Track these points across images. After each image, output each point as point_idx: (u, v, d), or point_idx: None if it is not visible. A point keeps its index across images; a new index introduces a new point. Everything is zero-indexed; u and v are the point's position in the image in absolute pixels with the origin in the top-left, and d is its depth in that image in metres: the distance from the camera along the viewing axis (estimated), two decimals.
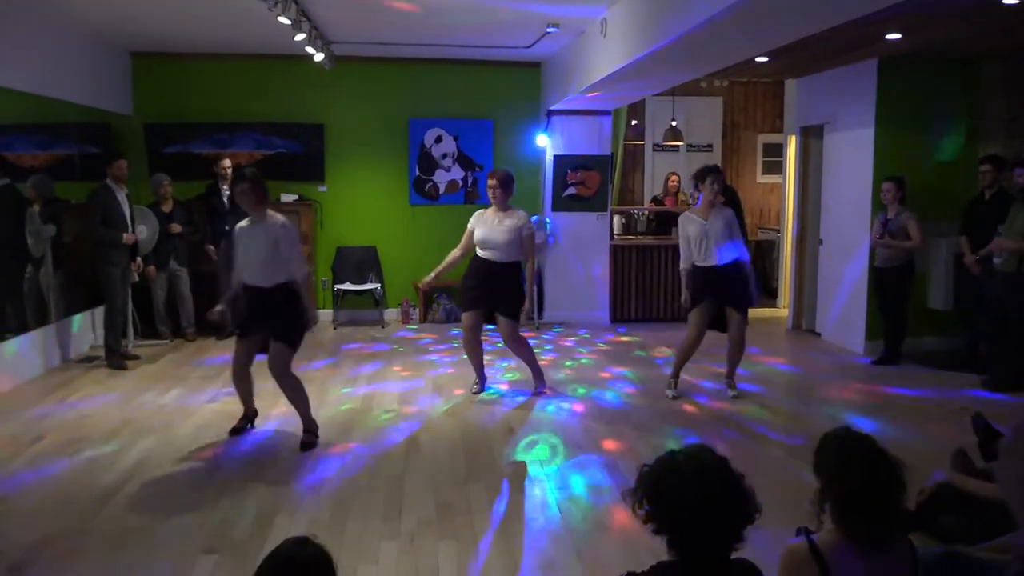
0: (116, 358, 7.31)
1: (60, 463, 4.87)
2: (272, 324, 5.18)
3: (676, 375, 6.44)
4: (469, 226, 6.28)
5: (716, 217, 6.13)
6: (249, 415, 5.53)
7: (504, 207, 6.18)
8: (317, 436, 5.29)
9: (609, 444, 5.29)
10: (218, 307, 5.41)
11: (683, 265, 6.28)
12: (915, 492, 3.58)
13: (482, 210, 6.34)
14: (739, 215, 9.95)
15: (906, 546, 2.25)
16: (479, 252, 6.21)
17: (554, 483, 4.61)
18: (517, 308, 6.22)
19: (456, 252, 6.40)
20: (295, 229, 5.35)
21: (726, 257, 6.13)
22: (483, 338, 6.57)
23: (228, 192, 8.13)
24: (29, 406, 6.05)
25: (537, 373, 6.50)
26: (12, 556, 3.67)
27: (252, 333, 5.26)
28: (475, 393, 6.43)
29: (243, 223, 5.28)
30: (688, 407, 6.13)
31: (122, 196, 7.52)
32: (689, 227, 6.20)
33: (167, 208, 8.25)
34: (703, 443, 2.11)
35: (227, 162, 8.48)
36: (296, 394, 5.28)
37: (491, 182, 6.19)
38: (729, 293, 6.18)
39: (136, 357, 7.62)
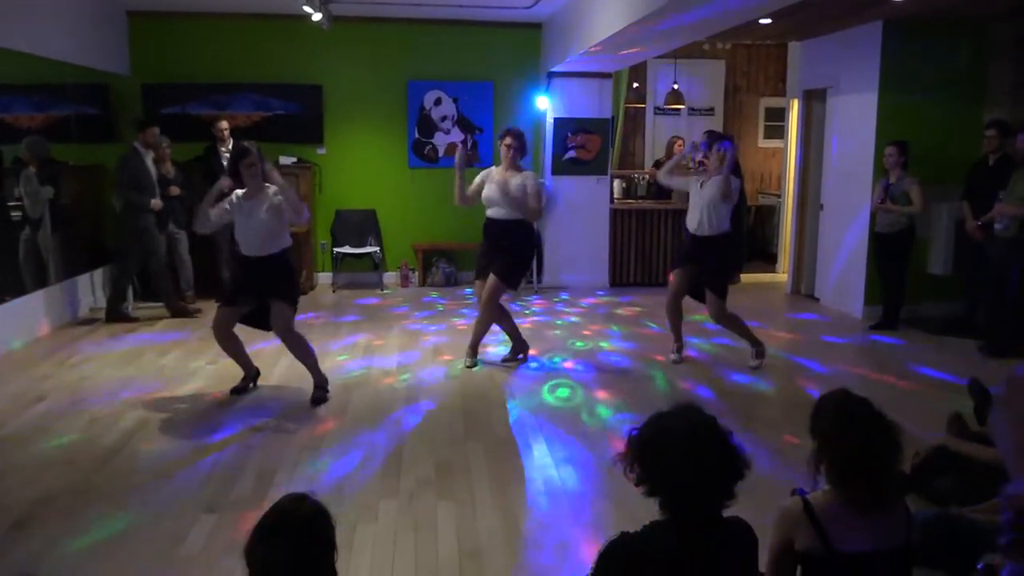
0: (119, 313, 7.54)
1: (62, 423, 4.91)
2: (270, 287, 5.22)
3: (677, 339, 6.39)
4: (477, 180, 6.16)
5: (712, 184, 6.01)
6: (250, 375, 5.56)
7: (515, 167, 6.08)
8: (327, 391, 5.38)
9: (606, 406, 5.32)
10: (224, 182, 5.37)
11: (659, 175, 6.46)
12: (911, 455, 3.61)
13: (489, 168, 6.23)
14: (738, 178, 9.98)
15: (901, 508, 2.27)
16: (487, 212, 6.09)
17: (552, 444, 4.64)
18: (512, 271, 6.07)
19: (463, 188, 6.15)
20: (291, 190, 5.33)
21: (710, 228, 5.98)
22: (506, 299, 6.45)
23: (227, 154, 8.08)
24: (30, 367, 6.07)
25: (475, 345, 6.29)
26: (16, 513, 3.71)
27: (239, 304, 5.30)
28: (508, 361, 6.29)
29: (240, 195, 5.24)
30: (684, 371, 6.14)
31: (150, 161, 7.64)
32: (690, 186, 6.18)
33: (166, 170, 8.20)
34: (690, 402, 2.11)
35: (224, 123, 8.41)
36: (301, 351, 5.35)
37: (508, 140, 6.04)
38: (704, 267, 6.06)
39: (135, 319, 7.64)
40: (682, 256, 6.31)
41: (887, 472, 2.20)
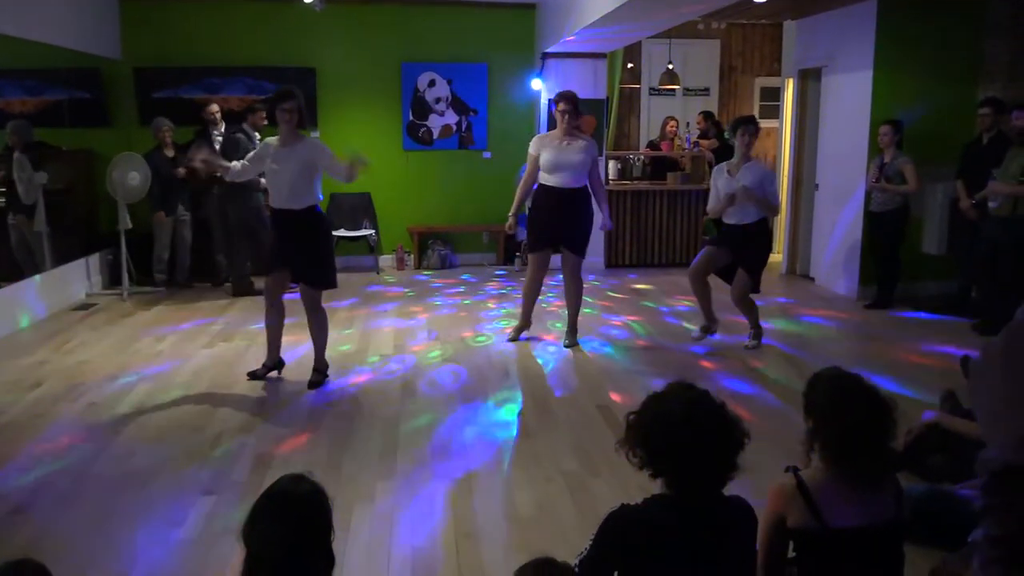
0: (246, 288, 7.96)
1: (59, 408, 4.92)
2: (304, 260, 5.15)
3: (708, 316, 6.22)
4: (531, 151, 6.03)
5: (744, 173, 5.85)
6: (270, 364, 5.43)
7: (574, 131, 5.93)
8: (326, 376, 5.39)
9: (605, 386, 5.34)
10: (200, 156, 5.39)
11: (710, 213, 6.21)
12: (904, 433, 3.64)
13: (542, 135, 6.09)
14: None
15: (893, 484, 2.29)
16: (545, 180, 5.94)
17: (550, 425, 4.66)
18: (586, 243, 6.06)
19: (526, 180, 6.13)
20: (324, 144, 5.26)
21: (749, 216, 5.89)
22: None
23: (220, 137, 8.05)
24: (27, 353, 6.08)
25: (573, 325, 6.30)
26: (14, 498, 3.73)
27: (281, 265, 5.23)
28: (567, 346, 6.20)
29: (274, 143, 5.12)
30: (685, 352, 6.16)
31: (257, 143, 7.66)
32: (718, 179, 6.00)
33: (170, 153, 8.17)
34: (681, 380, 2.13)
35: (215, 107, 8.35)
36: (320, 331, 5.34)
37: (562, 105, 5.88)
38: (743, 254, 5.97)
39: (259, 291, 7.43)
40: (724, 241, 6.08)
41: (881, 448, 2.22)
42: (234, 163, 5.38)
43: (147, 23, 8.90)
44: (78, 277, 7.97)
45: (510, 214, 6.32)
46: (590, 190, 6.06)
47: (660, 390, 2.11)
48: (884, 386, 2.27)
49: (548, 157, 5.92)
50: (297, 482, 1.88)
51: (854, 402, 2.20)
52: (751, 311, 6.19)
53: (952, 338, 6.42)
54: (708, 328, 6.28)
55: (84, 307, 7.54)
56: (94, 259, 8.27)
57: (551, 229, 6.04)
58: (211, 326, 6.86)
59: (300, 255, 5.16)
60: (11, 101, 8.17)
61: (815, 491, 2.20)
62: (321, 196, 5.26)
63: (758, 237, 6.00)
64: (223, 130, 8.10)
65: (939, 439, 3.62)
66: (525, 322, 6.44)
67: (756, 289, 6.07)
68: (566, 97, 5.96)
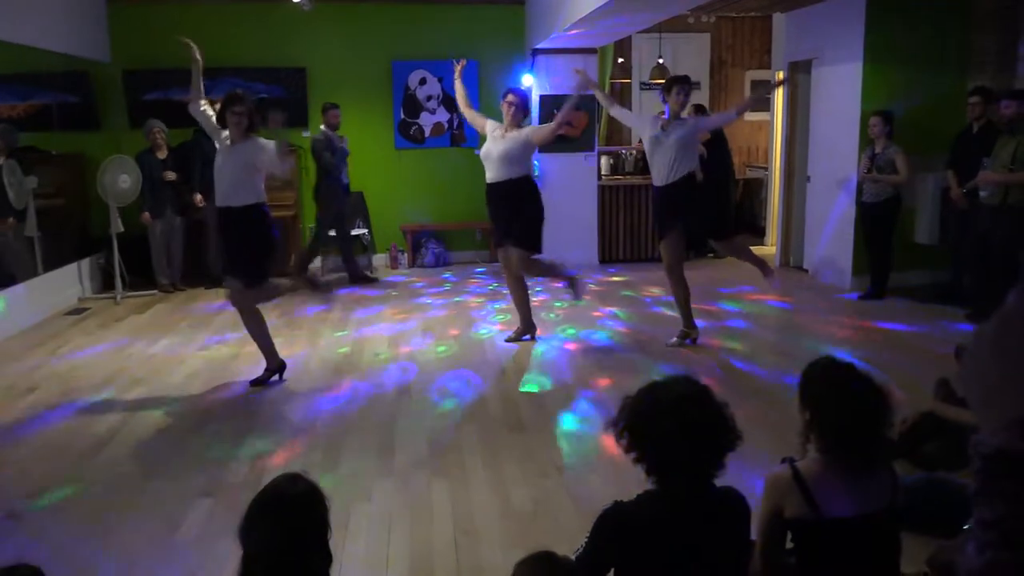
0: (359, 274, 8.61)
1: (53, 413, 4.90)
2: (232, 247, 5.13)
3: (687, 320, 6.06)
4: (482, 120, 6.15)
5: (672, 128, 5.73)
6: (272, 366, 5.37)
7: (517, 125, 5.93)
8: (273, 376, 5.34)
9: (598, 381, 5.34)
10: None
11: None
12: (899, 422, 3.64)
13: (496, 123, 6.07)
14: (726, 153, 9.98)
15: (888, 473, 2.30)
16: (486, 177, 5.98)
17: (546, 422, 4.66)
18: (529, 235, 5.93)
19: (466, 102, 6.30)
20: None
21: (681, 172, 5.75)
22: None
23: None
24: (20, 358, 6.06)
25: (527, 320, 6.30)
26: (10, 502, 3.72)
27: (230, 271, 5.22)
28: (519, 340, 6.20)
29: (228, 143, 5.10)
30: (676, 346, 6.16)
31: (336, 141, 8.23)
32: (644, 131, 5.91)
33: (162, 155, 8.14)
34: (686, 373, 2.13)
35: (217, 106, 8.29)
36: (255, 330, 5.31)
37: (511, 98, 5.92)
38: (684, 217, 5.81)
39: (375, 279, 8.57)
40: (660, 218, 5.98)
41: (877, 436, 2.23)
42: (204, 106, 5.29)
43: (136, 25, 8.87)
44: (70, 282, 7.94)
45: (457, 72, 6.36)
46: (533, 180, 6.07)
47: (660, 379, 2.11)
48: (878, 375, 2.27)
49: (486, 148, 5.97)
50: (292, 482, 1.88)
51: (849, 391, 2.21)
52: (679, 290, 5.97)
53: (945, 327, 6.44)
54: (687, 334, 6.08)
55: (77, 311, 7.52)
56: (86, 263, 8.24)
57: (496, 225, 6.11)
58: (203, 329, 6.84)
59: (236, 252, 5.14)
60: (0, 106, 8.14)
61: (811, 481, 2.21)
62: (262, 198, 5.14)
63: (689, 191, 5.79)
64: (225, 132, 8.06)
65: (934, 427, 3.63)
66: (524, 325, 6.33)
67: (722, 237, 6.10)
68: (514, 91, 6.07)
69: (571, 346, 6.20)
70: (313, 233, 8.61)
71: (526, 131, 5.91)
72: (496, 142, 5.91)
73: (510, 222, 5.93)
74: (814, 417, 2.24)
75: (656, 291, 7.98)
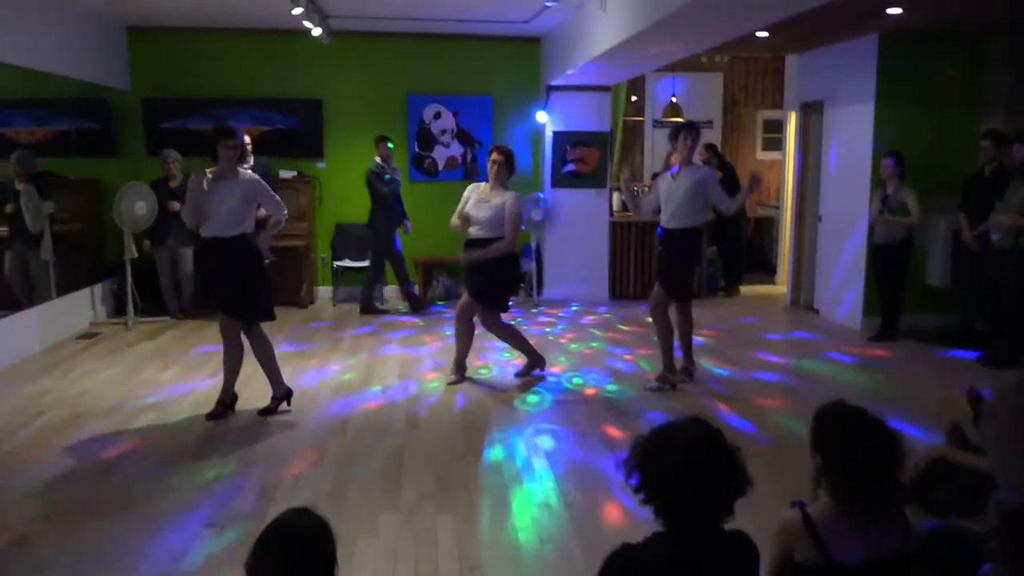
0: (370, 306, 8.74)
1: (62, 438, 4.90)
2: (226, 275, 5.13)
3: (667, 362, 6.00)
4: (465, 195, 6.07)
5: (684, 176, 5.79)
6: (225, 399, 5.34)
7: (501, 185, 5.95)
8: (281, 405, 5.36)
9: (607, 422, 5.31)
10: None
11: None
12: (910, 466, 3.61)
13: (477, 184, 6.14)
14: (736, 191, 10.00)
15: (900, 519, 2.27)
16: (469, 231, 5.99)
17: (552, 458, 4.64)
18: (495, 294, 5.95)
19: (454, 220, 6.12)
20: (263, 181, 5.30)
21: (684, 223, 5.80)
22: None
23: (248, 167, 8.05)
24: (31, 381, 6.08)
25: (461, 362, 6.18)
26: (16, 528, 3.71)
27: (217, 304, 5.30)
28: (528, 375, 6.20)
29: (205, 178, 5.04)
30: (685, 386, 6.14)
31: (390, 171, 8.48)
32: (660, 184, 6.00)
33: (174, 184, 8.16)
34: (698, 415, 2.11)
35: (246, 137, 8.31)
36: (262, 356, 5.33)
37: (495, 156, 5.93)
38: (662, 257, 5.99)
39: (384, 311, 8.76)
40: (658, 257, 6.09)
41: (888, 481, 2.20)
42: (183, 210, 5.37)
43: (155, 54, 9.01)
44: (83, 306, 7.98)
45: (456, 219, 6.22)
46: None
47: (672, 420, 2.09)
48: (889, 419, 2.25)
49: (470, 209, 5.94)
50: (301, 516, 1.87)
51: (860, 435, 2.19)
52: (661, 331, 5.96)
53: (957, 371, 6.40)
54: (667, 378, 5.96)
55: (88, 336, 7.55)
56: (99, 288, 8.29)
57: (469, 277, 6.13)
58: (215, 355, 6.84)
59: (224, 284, 5.16)
60: (20, 131, 8.25)
61: (822, 526, 2.19)
62: (252, 228, 5.18)
63: (678, 245, 5.85)
64: (251, 163, 8.12)
65: (946, 472, 3.59)
66: (531, 360, 6.29)
67: (675, 298, 5.90)
68: (499, 149, 6.01)
69: (580, 384, 6.18)
70: (371, 263, 8.81)
71: (509, 203, 5.85)
72: (481, 206, 5.88)
73: (476, 279, 5.96)
74: (825, 461, 2.22)
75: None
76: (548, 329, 8.00)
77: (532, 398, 5.78)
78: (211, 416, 5.24)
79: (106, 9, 8.09)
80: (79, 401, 5.63)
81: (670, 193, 5.87)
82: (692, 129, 5.91)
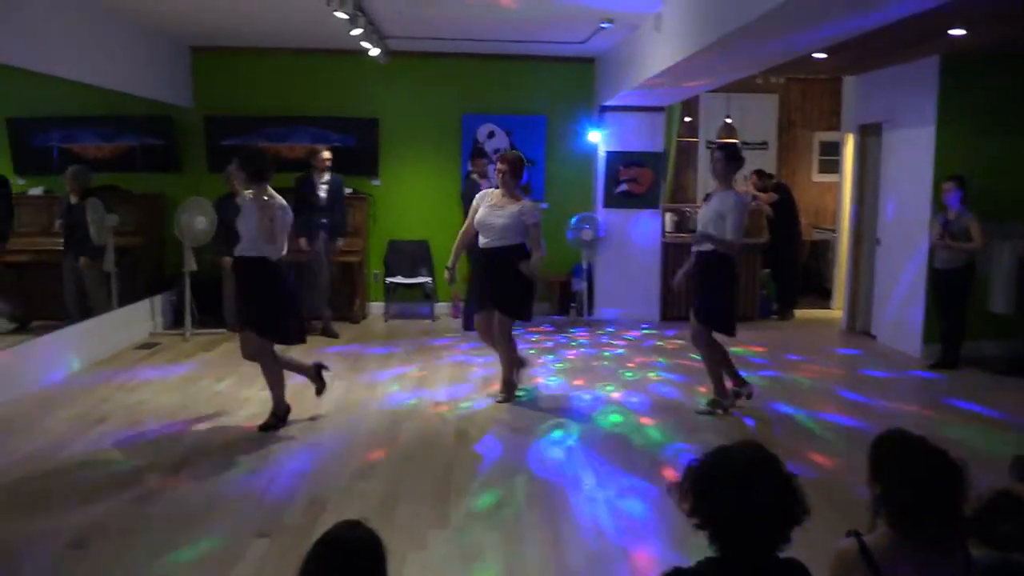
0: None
1: (121, 444, 5.03)
2: (242, 295, 5.38)
3: (718, 385, 5.87)
4: (474, 203, 5.96)
5: (712, 201, 5.69)
6: (277, 412, 5.39)
7: (512, 193, 5.83)
8: (281, 422, 5.37)
9: (656, 445, 5.26)
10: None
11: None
12: (972, 499, 3.50)
13: (488, 191, 6.03)
14: (793, 214, 9.88)
15: (962, 553, 2.21)
16: (479, 241, 5.89)
17: (602, 476, 4.60)
18: (517, 303, 5.85)
19: (463, 232, 6.07)
20: (289, 213, 5.34)
21: (702, 244, 5.69)
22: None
23: (324, 185, 8.26)
24: (92, 389, 6.25)
25: (509, 381, 6.07)
26: (74, 531, 3.80)
27: (243, 322, 5.45)
28: (499, 402, 6.01)
29: (246, 198, 5.30)
30: (734, 412, 6.05)
31: (484, 186, 8.23)
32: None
33: (240, 201, 8.30)
34: (754, 439, 2.08)
35: (326, 153, 8.36)
36: (269, 378, 5.40)
37: (501, 166, 5.82)
38: (693, 284, 5.86)
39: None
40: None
41: (950, 513, 2.14)
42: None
43: (218, 72, 9.26)
44: (143, 317, 8.19)
45: (447, 265, 6.19)
46: (528, 248, 5.84)
47: (728, 444, 2.07)
48: (951, 450, 2.19)
49: (479, 217, 5.85)
50: (354, 528, 1.89)
51: (922, 464, 2.13)
52: (709, 360, 5.82)
53: (1021, 400, 6.20)
54: (718, 402, 5.83)
55: (148, 346, 7.74)
56: (158, 300, 8.50)
57: (481, 289, 6.04)
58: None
59: (247, 302, 5.36)
60: (88, 147, 8.55)
61: (879, 557, 2.13)
62: (276, 254, 5.22)
63: (707, 269, 5.69)
64: (328, 178, 8.30)
65: (1010, 506, 3.47)
66: (512, 380, 6.11)
67: (714, 328, 5.70)
68: (506, 158, 5.88)
69: (627, 404, 6.13)
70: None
71: (527, 212, 5.79)
72: (494, 212, 5.79)
73: (496, 288, 5.86)
74: (884, 491, 2.17)
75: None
76: (597, 350, 7.95)
77: (580, 417, 5.74)
78: (264, 428, 5.32)
79: (172, 30, 8.35)
80: (137, 409, 5.77)
81: (701, 215, 5.81)
82: (721, 149, 5.80)
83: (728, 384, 5.88)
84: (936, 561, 2.14)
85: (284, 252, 5.31)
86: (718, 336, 5.80)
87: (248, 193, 5.28)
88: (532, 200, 6.07)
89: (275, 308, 5.29)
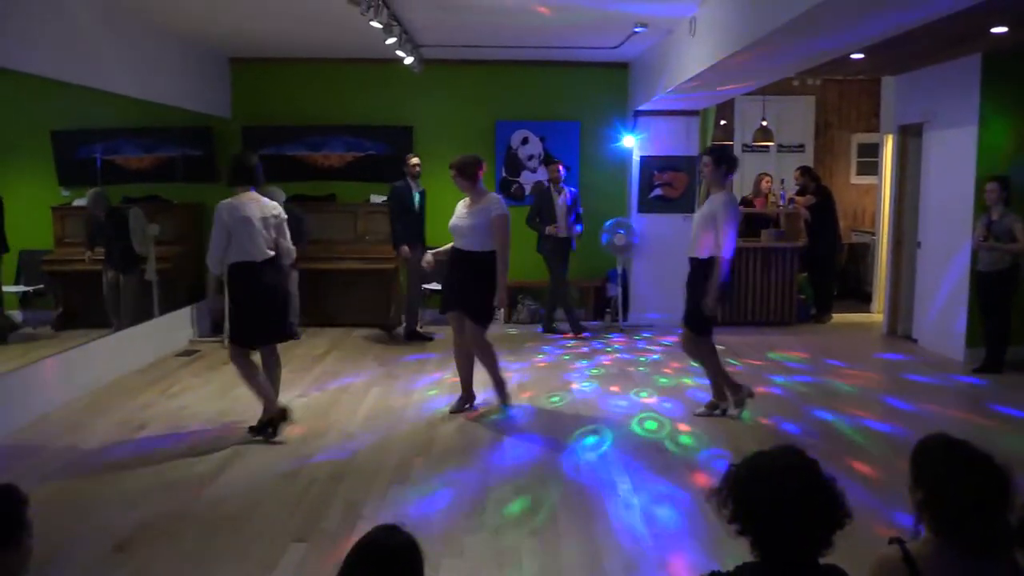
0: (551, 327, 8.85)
1: (161, 450, 5.11)
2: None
3: (717, 390, 5.83)
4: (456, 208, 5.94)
5: (705, 204, 5.64)
6: (272, 413, 5.28)
7: (477, 194, 5.78)
8: (270, 429, 5.25)
9: (690, 451, 5.22)
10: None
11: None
12: (1019, 506, 3.42)
13: (467, 199, 5.92)
14: (832, 217, 9.75)
15: (1010, 563, 2.15)
16: (456, 242, 5.87)
17: (637, 481, 4.58)
18: (484, 311, 5.78)
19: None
20: (287, 217, 5.45)
21: (700, 252, 5.58)
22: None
23: (418, 193, 8.28)
24: (133, 396, 6.35)
25: (498, 381, 6.00)
26: (118, 534, 3.87)
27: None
28: (453, 412, 5.88)
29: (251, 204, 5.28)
30: (762, 419, 5.98)
31: (555, 195, 8.57)
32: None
33: None
34: (792, 444, 2.06)
35: (415, 159, 8.41)
36: (243, 379, 5.35)
37: (451, 172, 5.82)
38: (687, 288, 5.74)
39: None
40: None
41: (996, 520, 2.09)
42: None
43: (255, 83, 9.39)
44: (183, 324, 8.31)
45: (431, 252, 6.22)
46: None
47: (767, 448, 2.05)
48: (997, 455, 2.14)
49: (451, 224, 5.86)
50: (392, 533, 1.89)
51: (967, 469, 2.08)
52: (707, 366, 5.78)
53: None
54: (715, 404, 5.83)
55: (187, 353, 7.85)
56: (198, 308, 8.62)
57: (449, 289, 5.94)
58: (307, 375, 7.03)
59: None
60: (130, 158, 8.70)
61: (923, 565, 2.09)
62: (252, 257, 5.19)
63: (696, 272, 5.62)
64: (414, 185, 8.33)
65: None
66: (465, 394, 6.01)
67: (698, 332, 5.66)
68: (452, 164, 5.84)
69: (660, 410, 6.09)
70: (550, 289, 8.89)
71: (493, 204, 5.77)
72: (462, 216, 5.80)
73: (464, 292, 5.77)
74: (928, 497, 2.12)
75: (755, 354, 7.79)
76: (633, 355, 7.91)
77: (611, 421, 5.72)
78: (253, 429, 5.29)
79: (212, 42, 8.49)
80: (178, 415, 5.85)
81: (694, 220, 5.74)
82: (706, 153, 5.74)
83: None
84: (982, 569, 2.09)
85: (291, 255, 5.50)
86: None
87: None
88: (497, 196, 6.02)
89: (239, 309, 5.35)
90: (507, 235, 5.78)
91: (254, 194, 5.29)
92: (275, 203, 5.40)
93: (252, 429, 5.30)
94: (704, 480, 4.57)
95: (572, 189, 8.84)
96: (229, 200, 5.23)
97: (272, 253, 5.27)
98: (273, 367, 5.42)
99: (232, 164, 5.42)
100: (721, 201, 5.50)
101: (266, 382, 5.30)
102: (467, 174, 5.81)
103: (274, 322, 5.37)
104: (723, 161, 5.63)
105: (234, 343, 5.39)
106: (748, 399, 5.79)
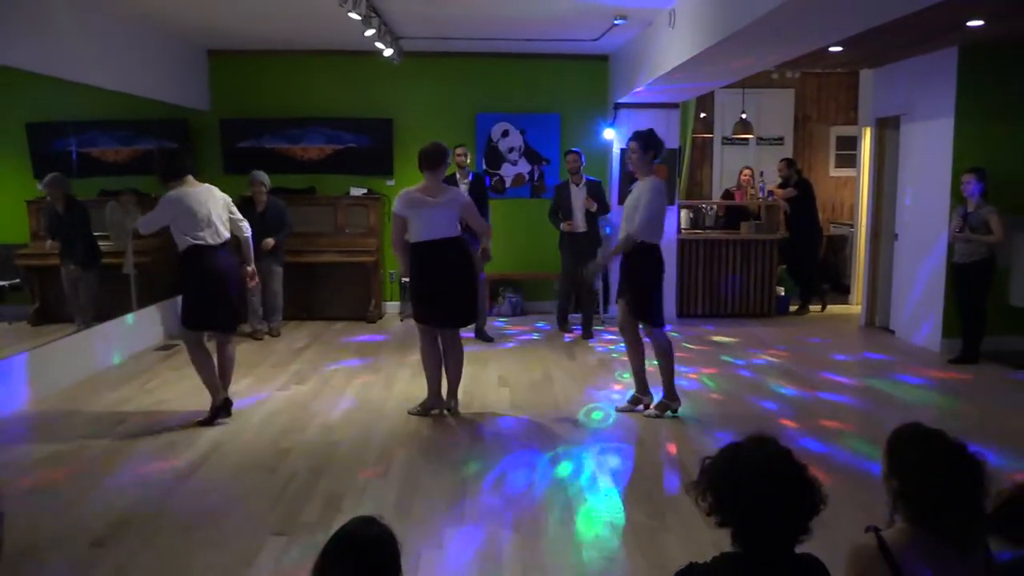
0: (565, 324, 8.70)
1: (140, 445, 5.07)
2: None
3: (640, 383, 5.79)
4: (396, 212, 5.47)
5: (634, 190, 5.60)
6: (216, 404, 5.50)
7: (437, 183, 5.53)
8: (217, 419, 5.47)
9: (671, 440, 5.25)
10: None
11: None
12: (993, 494, 3.46)
13: (410, 190, 5.56)
14: (811, 209, 9.81)
15: (982, 548, 2.18)
16: (417, 240, 5.45)
17: (618, 476, 4.59)
18: (468, 305, 5.61)
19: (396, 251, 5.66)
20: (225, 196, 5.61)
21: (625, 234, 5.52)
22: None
23: (465, 185, 7.96)
24: (112, 391, 6.30)
25: (451, 390, 5.76)
26: (96, 531, 3.84)
27: None
28: (412, 413, 5.68)
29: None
30: (748, 408, 6.02)
31: (573, 190, 8.35)
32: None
33: (260, 208, 8.24)
34: (766, 434, 2.07)
35: (461, 149, 8.11)
36: (197, 370, 5.52)
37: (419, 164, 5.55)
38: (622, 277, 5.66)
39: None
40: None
41: (970, 509, 2.12)
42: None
43: (233, 76, 9.31)
44: (160, 319, 8.24)
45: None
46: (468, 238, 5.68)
47: (741, 440, 2.06)
48: (970, 444, 2.16)
49: (419, 218, 5.46)
50: (367, 525, 1.89)
51: (941, 459, 2.11)
52: (634, 354, 5.72)
53: None
54: (638, 399, 5.78)
55: (166, 347, 7.79)
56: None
57: (430, 295, 5.59)
58: (286, 369, 7.00)
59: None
60: (106, 151, 8.60)
61: (898, 553, 2.11)
62: (188, 241, 5.33)
63: (631, 257, 5.54)
64: (471, 178, 8.15)
65: None
66: (432, 395, 5.73)
67: (641, 318, 5.56)
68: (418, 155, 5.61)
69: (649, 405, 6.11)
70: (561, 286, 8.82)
71: (457, 192, 5.71)
72: (425, 205, 5.44)
73: (467, 288, 5.60)
74: (903, 486, 2.15)
75: (739, 348, 7.83)
76: (612, 347, 7.93)
77: (597, 415, 5.74)
78: (204, 423, 5.44)
79: (189, 34, 8.40)
80: (157, 410, 5.81)
81: (625, 205, 5.68)
82: (636, 139, 5.60)
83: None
84: (956, 557, 2.12)
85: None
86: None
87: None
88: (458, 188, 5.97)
89: (188, 293, 5.49)
90: (480, 221, 5.83)
91: (191, 179, 5.47)
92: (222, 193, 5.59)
93: (200, 423, 5.45)
94: (683, 473, 4.59)
95: (592, 179, 8.49)
96: (177, 190, 5.38)
97: (227, 236, 5.44)
98: (226, 360, 5.59)
99: (162, 160, 5.67)
100: (648, 186, 5.49)
101: (214, 374, 5.50)
102: (423, 164, 5.58)
103: (224, 308, 5.48)
104: (651, 146, 5.59)
105: (184, 326, 5.52)
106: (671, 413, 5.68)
